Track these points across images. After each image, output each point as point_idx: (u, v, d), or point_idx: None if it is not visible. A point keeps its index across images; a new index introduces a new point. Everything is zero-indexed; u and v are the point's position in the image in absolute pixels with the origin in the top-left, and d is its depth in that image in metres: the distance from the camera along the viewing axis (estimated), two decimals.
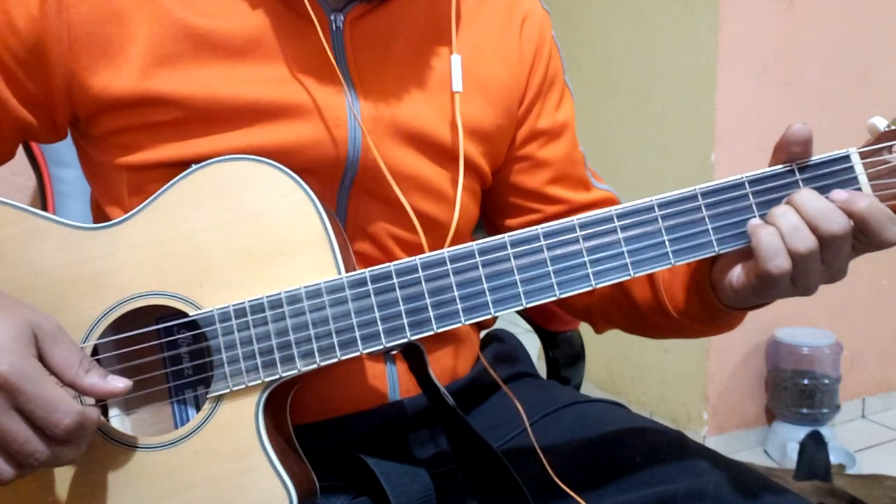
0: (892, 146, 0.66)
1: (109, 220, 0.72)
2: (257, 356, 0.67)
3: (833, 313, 2.38)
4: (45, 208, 1.14)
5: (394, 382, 0.81)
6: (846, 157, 0.67)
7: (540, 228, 0.68)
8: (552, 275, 0.67)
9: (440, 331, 0.67)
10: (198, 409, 0.72)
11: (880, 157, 0.66)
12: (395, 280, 0.68)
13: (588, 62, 2.57)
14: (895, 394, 2.57)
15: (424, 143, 0.79)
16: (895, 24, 2.35)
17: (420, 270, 0.68)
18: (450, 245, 0.75)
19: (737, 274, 0.69)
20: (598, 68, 2.54)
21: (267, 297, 0.67)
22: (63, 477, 0.67)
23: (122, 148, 0.75)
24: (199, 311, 0.68)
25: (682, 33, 2.23)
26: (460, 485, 0.81)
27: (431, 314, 0.67)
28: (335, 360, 0.67)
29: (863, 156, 0.67)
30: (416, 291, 0.67)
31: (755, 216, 0.67)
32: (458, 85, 0.79)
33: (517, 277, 0.67)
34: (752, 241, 0.66)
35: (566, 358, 1.13)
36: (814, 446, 2.00)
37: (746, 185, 0.67)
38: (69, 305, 0.68)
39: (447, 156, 0.80)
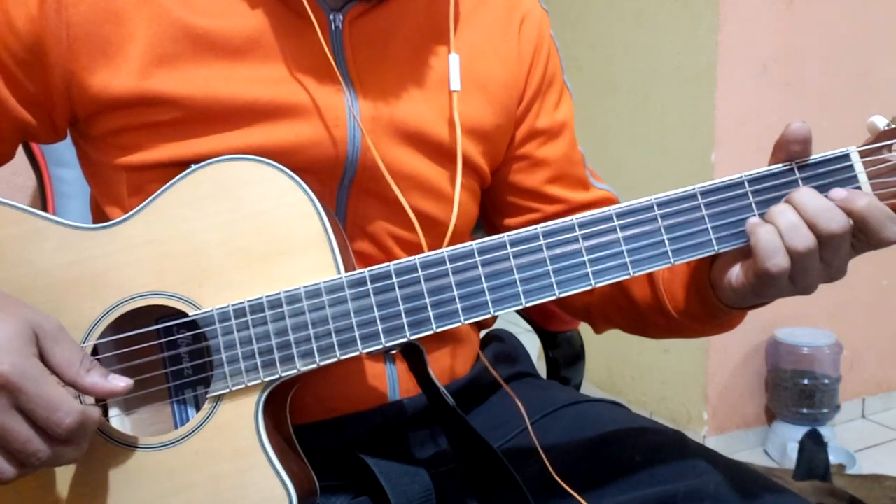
0: (891, 145, 0.66)
1: (109, 220, 0.72)
2: (257, 356, 0.67)
3: (833, 313, 2.38)
4: (45, 208, 1.14)
5: (393, 382, 0.81)
6: (846, 156, 0.67)
7: (539, 228, 0.68)
8: (551, 274, 0.67)
9: (440, 330, 0.67)
10: (198, 409, 0.72)
11: (880, 156, 0.66)
12: (394, 280, 0.68)
13: (588, 62, 2.57)
14: (895, 394, 2.57)
15: (423, 143, 0.79)
16: (895, 24, 2.35)
17: (419, 270, 0.68)
18: (448, 244, 0.75)
19: (736, 273, 0.69)
20: (598, 68, 2.54)
21: (266, 296, 0.68)
22: (63, 477, 0.67)
23: (121, 148, 0.75)
24: (199, 311, 0.68)
25: (682, 33, 2.23)
26: (460, 485, 0.81)
27: (431, 314, 0.67)
28: (334, 359, 0.67)
29: (862, 154, 0.67)
30: (416, 291, 0.67)
31: (755, 215, 0.67)
32: (455, 84, 0.79)
33: (516, 277, 0.67)
34: (751, 240, 0.66)
35: (566, 358, 1.13)
36: (812, 445, 2.00)
37: (746, 184, 0.67)
38: (69, 305, 0.68)
39: (446, 155, 0.80)
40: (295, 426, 0.73)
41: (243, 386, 0.67)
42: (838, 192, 0.65)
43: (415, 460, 0.81)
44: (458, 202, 0.80)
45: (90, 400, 0.66)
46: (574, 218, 0.68)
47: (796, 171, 0.67)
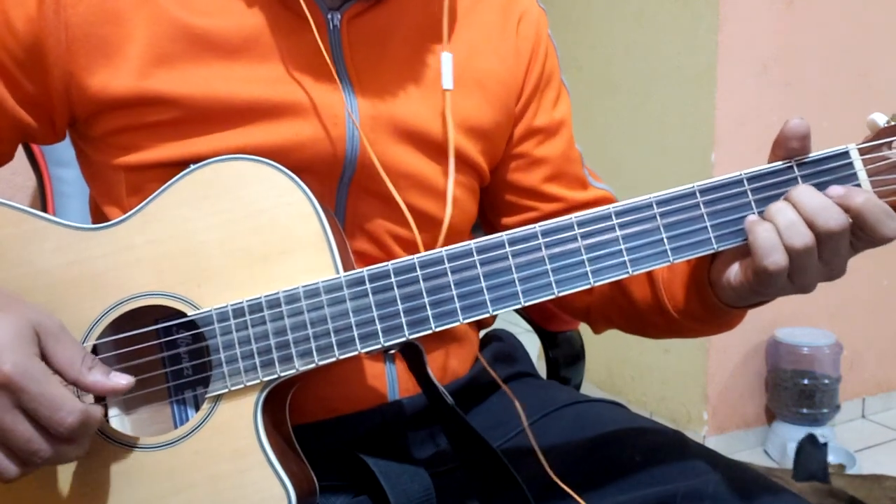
0: (891, 142, 0.66)
1: (108, 220, 0.72)
2: (255, 356, 0.67)
3: (833, 313, 2.38)
4: (45, 208, 1.14)
5: (393, 382, 0.81)
6: (845, 154, 0.67)
7: (538, 227, 0.68)
8: (550, 273, 0.67)
9: (438, 330, 0.67)
10: (197, 409, 0.72)
11: (880, 154, 0.66)
12: (393, 279, 0.67)
13: (588, 62, 2.57)
14: (895, 394, 2.57)
15: (422, 141, 0.79)
16: (895, 24, 2.35)
17: (418, 269, 0.68)
18: (444, 242, 0.75)
19: (735, 271, 0.69)
20: (599, 68, 2.54)
21: (265, 296, 0.67)
22: (63, 477, 0.67)
23: (120, 148, 0.75)
24: (198, 311, 0.68)
25: (682, 33, 2.23)
26: (460, 484, 0.81)
27: (430, 313, 0.67)
28: (333, 359, 0.67)
29: (862, 152, 0.66)
30: (415, 290, 0.67)
31: (754, 213, 0.67)
32: (448, 83, 0.79)
33: (515, 276, 0.67)
34: (749, 238, 0.66)
35: (566, 358, 1.13)
36: (810, 448, 2.00)
37: (745, 182, 0.67)
38: (68, 306, 0.68)
39: (445, 153, 0.80)
40: (294, 426, 0.73)
41: (242, 386, 0.67)
42: (836, 190, 0.65)
43: (415, 460, 0.81)
44: (451, 198, 0.79)
45: (90, 399, 0.66)
46: (573, 217, 0.68)
47: (795, 169, 0.67)
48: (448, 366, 0.85)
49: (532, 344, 1.10)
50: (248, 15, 0.74)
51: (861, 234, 0.65)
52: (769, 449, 2.30)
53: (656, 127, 2.35)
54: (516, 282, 0.67)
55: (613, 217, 0.68)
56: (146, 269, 0.69)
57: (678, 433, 0.80)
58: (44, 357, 0.60)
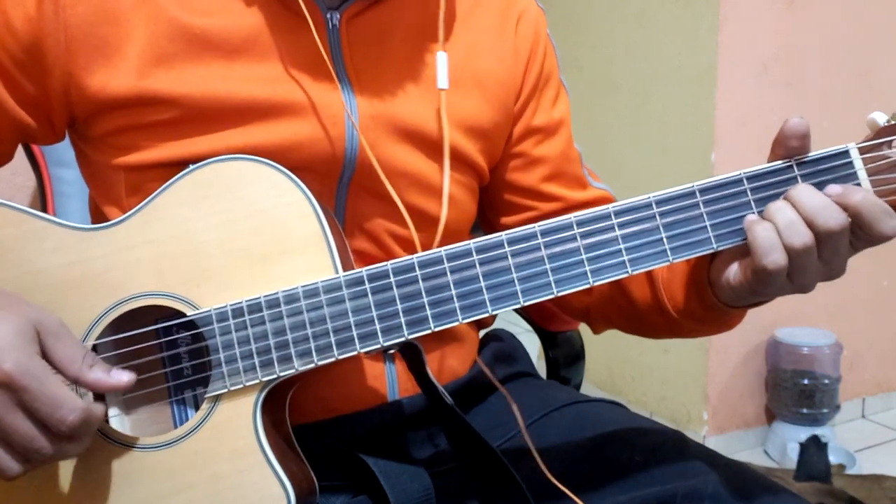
0: (891, 141, 0.66)
1: (108, 220, 0.72)
2: (255, 356, 0.67)
3: (833, 313, 2.37)
4: (45, 208, 1.14)
5: (393, 382, 0.81)
6: (845, 153, 0.66)
7: (537, 226, 0.68)
8: (550, 273, 0.67)
9: (438, 329, 0.67)
10: (197, 409, 0.72)
11: (880, 153, 0.66)
12: (392, 279, 0.67)
13: (588, 62, 2.57)
14: (895, 394, 2.57)
15: (421, 140, 0.79)
16: (895, 24, 2.35)
17: (417, 269, 0.68)
18: (442, 241, 0.75)
19: (734, 271, 0.69)
20: (599, 68, 2.54)
21: (264, 296, 0.67)
22: (63, 478, 0.67)
23: (119, 148, 0.75)
24: (197, 311, 0.68)
25: (683, 33, 2.23)
26: (460, 484, 0.80)
27: (429, 313, 0.67)
28: (332, 359, 0.67)
29: (862, 151, 0.66)
30: (414, 290, 0.67)
31: (753, 213, 0.67)
32: (443, 82, 0.79)
33: (514, 276, 0.67)
34: (748, 237, 0.65)
35: (566, 358, 1.13)
36: (814, 449, 2.00)
37: (745, 181, 0.67)
38: (68, 306, 0.68)
39: (443, 152, 0.80)
40: (294, 426, 0.73)
41: (241, 386, 0.67)
42: (834, 188, 0.65)
43: (414, 460, 0.81)
44: (447, 196, 0.79)
45: (90, 397, 0.66)
46: (572, 216, 0.68)
47: (795, 169, 0.67)
48: (448, 366, 0.85)
49: (532, 344, 1.10)
50: (247, 14, 0.74)
51: (860, 233, 0.65)
52: (769, 449, 2.30)
53: (656, 127, 2.35)
54: (515, 281, 0.67)
55: (613, 217, 0.68)
56: (146, 269, 0.69)
57: (678, 433, 0.80)
58: (44, 355, 0.60)
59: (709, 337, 2.19)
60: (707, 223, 0.67)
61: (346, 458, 0.78)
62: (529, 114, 0.87)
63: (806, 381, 2.22)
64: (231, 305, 0.68)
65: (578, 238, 0.67)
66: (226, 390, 0.67)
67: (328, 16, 0.76)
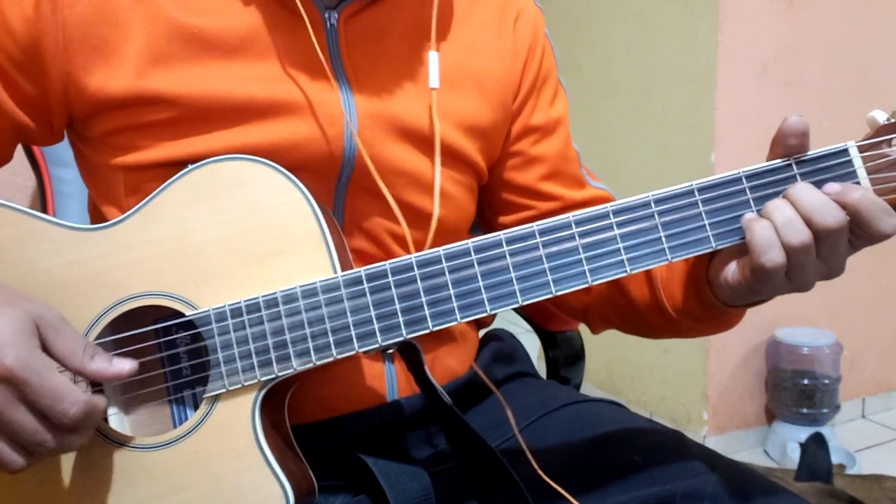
0: (891, 139, 0.65)
1: (107, 220, 0.72)
2: (253, 355, 0.67)
3: (833, 313, 2.37)
4: (45, 208, 1.14)
5: (392, 382, 0.81)
6: (844, 151, 0.66)
7: (536, 226, 0.68)
8: (548, 272, 0.67)
9: (436, 329, 0.67)
10: (196, 408, 0.72)
11: (879, 151, 0.66)
12: (390, 279, 0.67)
13: (588, 62, 2.58)
14: (895, 394, 2.57)
15: (419, 139, 0.79)
16: (895, 24, 2.35)
17: (416, 269, 0.68)
18: (436, 237, 0.76)
19: (732, 270, 0.68)
20: (598, 68, 2.54)
21: (263, 296, 0.67)
22: (63, 477, 0.67)
23: (118, 148, 0.75)
24: (196, 311, 0.68)
25: (682, 33, 2.23)
26: (459, 484, 0.80)
27: (427, 312, 0.67)
28: (331, 359, 0.67)
29: (861, 149, 0.66)
30: (412, 290, 0.67)
31: (752, 211, 0.67)
32: (434, 82, 0.79)
33: (513, 275, 0.67)
34: (746, 235, 0.65)
35: (566, 358, 1.13)
36: (815, 448, 2.00)
37: (743, 179, 0.67)
38: (67, 306, 0.68)
39: (442, 151, 0.80)
40: (293, 426, 0.73)
41: (239, 385, 0.67)
42: (832, 186, 0.65)
43: (413, 460, 0.81)
44: (438, 192, 0.79)
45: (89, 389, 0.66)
46: (570, 215, 0.68)
47: (794, 167, 0.67)
48: (447, 366, 0.85)
49: (532, 344, 1.10)
50: (245, 14, 0.74)
51: (859, 232, 0.65)
52: (769, 449, 2.30)
53: (656, 127, 2.35)
54: (514, 281, 0.67)
55: (611, 216, 0.67)
56: (144, 269, 0.69)
57: (677, 433, 0.80)
58: (45, 349, 0.61)
59: (708, 337, 2.19)
60: (706, 222, 0.67)
61: (346, 458, 0.78)
62: (527, 113, 0.87)
63: (806, 381, 2.22)
64: (229, 305, 0.68)
65: (577, 237, 0.67)
66: (224, 390, 0.67)
67: (326, 15, 0.76)
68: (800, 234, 0.63)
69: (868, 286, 2.43)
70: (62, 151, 1.09)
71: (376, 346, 0.67)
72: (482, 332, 0.97)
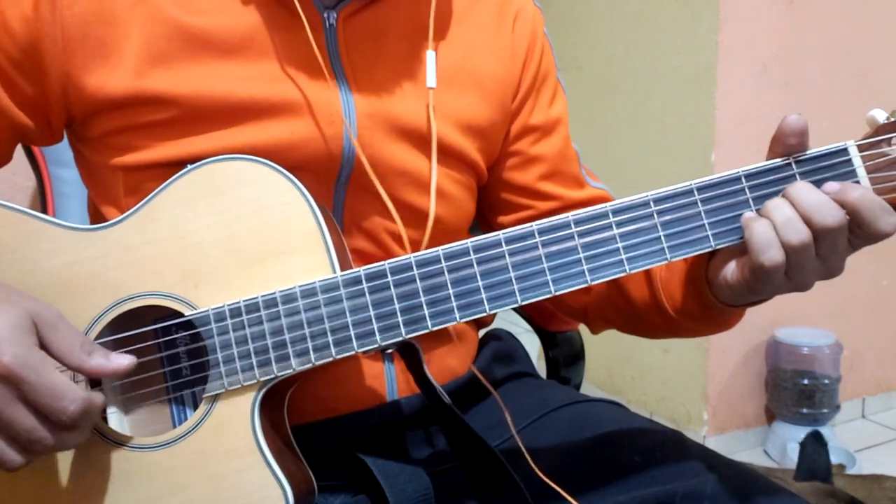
0: (891, 138, 0.65)
1: (106, 220, 0.72)
2: (252, 355, 0.67)
3: (833, 313, 2.37)
4: (45, 208, 1.14)
5: (392, 382, 0.81)
6: (844, 150, 0.66)
7: (535, 225, 0.68)
8: (547, 272, 0.67)
9: (435, 329, 0.67)
10: (196, 408, 0.72)
11: (879, 150, 0.65)
12: (389, 278, 0.67)
13: (588, 62, 2.58)
14: (895, 394, 2.57)
15: (418, 138, 0.79)
16: (895, 24, 2.35)
17: (415, 268, 0.67)
18: (433, 236, 0.76)
19: (732, 269, 0.68)
20: (598, 68, 2.54)
21: (262, 296, 0.67)
22: (62, 478, 0.67)
23: (117, 149, 0.75)
24: (195, 312, 0.68)
25: (682, 33, 2.23)
26: (459, 484, 0.80)
27: (426, 312, 0.67)
28: (330, 359, 0.67)
29: (861, 148, 0.66)
30: (411, 289, 0.67)
31: (752, 210, 0.67)
32: (431, 81, 0.79)
33: (512, 275, 0.67)
34: (746, 234, 0.65)
35: (566, 358, 1.13)
36: (814, 446, 2.00)
37: (743, 179, 0.67)
38: (66, 306, 0.68)
39: (441, 151, 0.80)
40: (293, 426, 0.73)
41: (239, 385, 0.67)
42: (831, 186, 0.64)
43: (413, 460, 0.81)
44: (434, 191, 0.79)
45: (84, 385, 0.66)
46: (570, 215, 0.68)
47: (794, 166, 0.66)
48: (446, 365, 0.85)
49: (532, 344, 1.10)
50: (244, 13, 0.74)
51: (858, 231, 0.64)
52: (769, 449, 2.30)
53: (656, 127, 2.35)
54: (513, 281, 0.67)
55: (610, 215, 0.67)
56: (144, 269, 0.69)
57: (677, 433, 0.80)
58: (43, 346, 0.61)
59: (708, 337, 2.19)
60: (705, 221, 0.67)
61: (345, 458, 0.78)
62: (526, 112, 0.87)
63: (806, 381, 2.22)
64: (229, 305, 0.68)
65: (576, 237, 0.67)
66: (223, 390, 0.67)
67: (325, 15, 0.76)
68: (799, 234, 0.63)
69: (868, 286, 2.43)
70: (62, 151, 1.09)
71: (375, 346, 0.67)
72: (482, 332, 0.97)
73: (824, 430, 2.15)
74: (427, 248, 0.71)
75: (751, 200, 0.67)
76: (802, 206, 0.64)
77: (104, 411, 0.71)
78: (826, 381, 2.23)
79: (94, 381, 0.70)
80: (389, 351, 0.80)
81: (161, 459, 0.67)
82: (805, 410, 2.22)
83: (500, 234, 0.68)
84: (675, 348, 2.35)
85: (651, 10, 2.34)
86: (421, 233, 0.79)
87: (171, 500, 0.67)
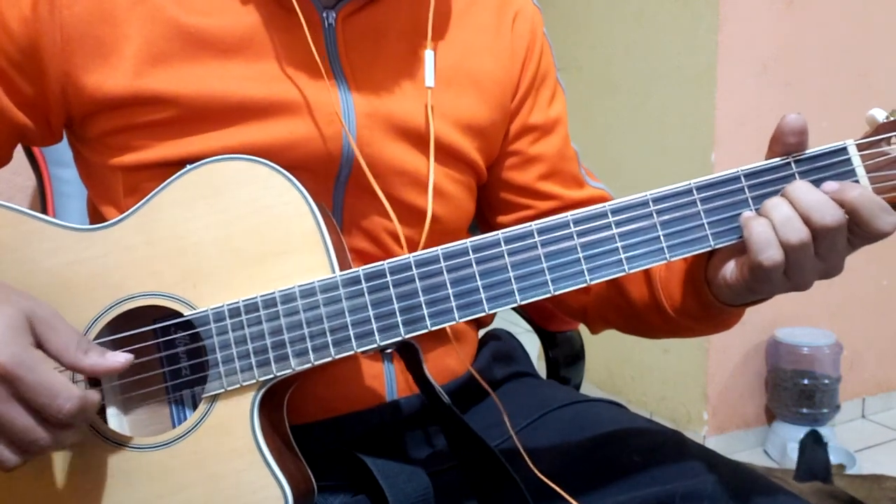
0: (890, 138, 0.65)
1: (106, 220, 0.72)
2: (252, 355, 0.67)
3: (833, 313, 2.37)
4: (45, 208, 1.14)
5: (391, 382, 0.81)
6: (843, 150, 0.66)
7: (534, 225, 0.68)
8: (546, 271, 0.67)
9: (434, 329, 0.67)
10: (195, 408, 0.72)
11: (879, 149, 0.65)
12: (388, 278, 0.67)
13: (588, 62, 2.58)
14: (895, 394, 2.56)
15: (417, 138, 0.79)
16: (895, 24, 2.35)
17: (414, 268, 0.67)
18: (430, 236, 0.76)
19: (731, 268, 0.68)
20: (598, 68, 2.54)
21: (261, 296, 0.67)
22: (61, 478, 0.67)
23: (117, 149, 0.75)
24: (194, 311, 0.68)
25: (682, 33, 2.23)
26: (458, 484, 0.80)
27: (426, 312, 0.67)
28: (329, 358, 0.67)
29: (860, 147, 0.66)
30: (410, 289, 0.67)
31: (751, 210, 0.67)
32: (430, 80, 0.79)
33: (511, 275, 0.67)
34: (744, 233, 0.65)
35: (566, 358, 1.13)
36: (813, 445, 2.00)
37: (742, 178, 0.67)
38: (65, 306, 0.68)
39: (440, 150, 0.80)
40: (292, 426, 0.73)
41: (238, 385, 0.67)
42: (830, 185, 0.64)
43: (413, 460, 0.81)
44: (431, 189, 0.79)
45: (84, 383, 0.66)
46: (569, 214, 0.68)
47: (793, 165, 0.66)
48: (446, 365, 0.85)
49: (532, 344, 1.10)
50: (244, 13, 0.74)
51: (857, 230, 0.64)
52: (769, 449, 2.30)
53: (656, 127, 2.35)
54: (512, 280, 0.67)
55: (609, 215, 0.67)
56: (143, 269, 0.69)
57: (677, 433, 0.80)
58: (39, 345, 0.61)
59: (708, 337, 2.19)
60: (704, 221, 0.67)
61: (345, 458, 0.78)
62: (526, 112, 0.87)
63: (806, 381, 2.22)
64: (228, 305, 0.68)
65: (575, 237, 0.67)
66: (223, 390, 0.67)
67: (324, 14, 0.76)
68: (798, 233, 0.63)
69: (868, 286, 2.43)
70: (62, 151, 1.09)
71: (375, 345, 0.67)
72: (482, 332, 0.97)
73: (824, 430, 2.15)
74: (424, 247, 0.71)
75: (750, 200, 0.67)
76: (801, 206, 0.64)
77: (104, 412, 0.71)
78: (826, 381, 2.23)
79: (94, 381, 0.70)
80: (389, 351, 0.80)
81: (161, 459, 0.67)
82: (805, 410, 2.22)
83: (499, 234, 0.68)
84: (675, 348, 2.35)
85: (651, 10, 2.34)
86: (419, 232, 0.78)
87: (171, 500, 0.67)
